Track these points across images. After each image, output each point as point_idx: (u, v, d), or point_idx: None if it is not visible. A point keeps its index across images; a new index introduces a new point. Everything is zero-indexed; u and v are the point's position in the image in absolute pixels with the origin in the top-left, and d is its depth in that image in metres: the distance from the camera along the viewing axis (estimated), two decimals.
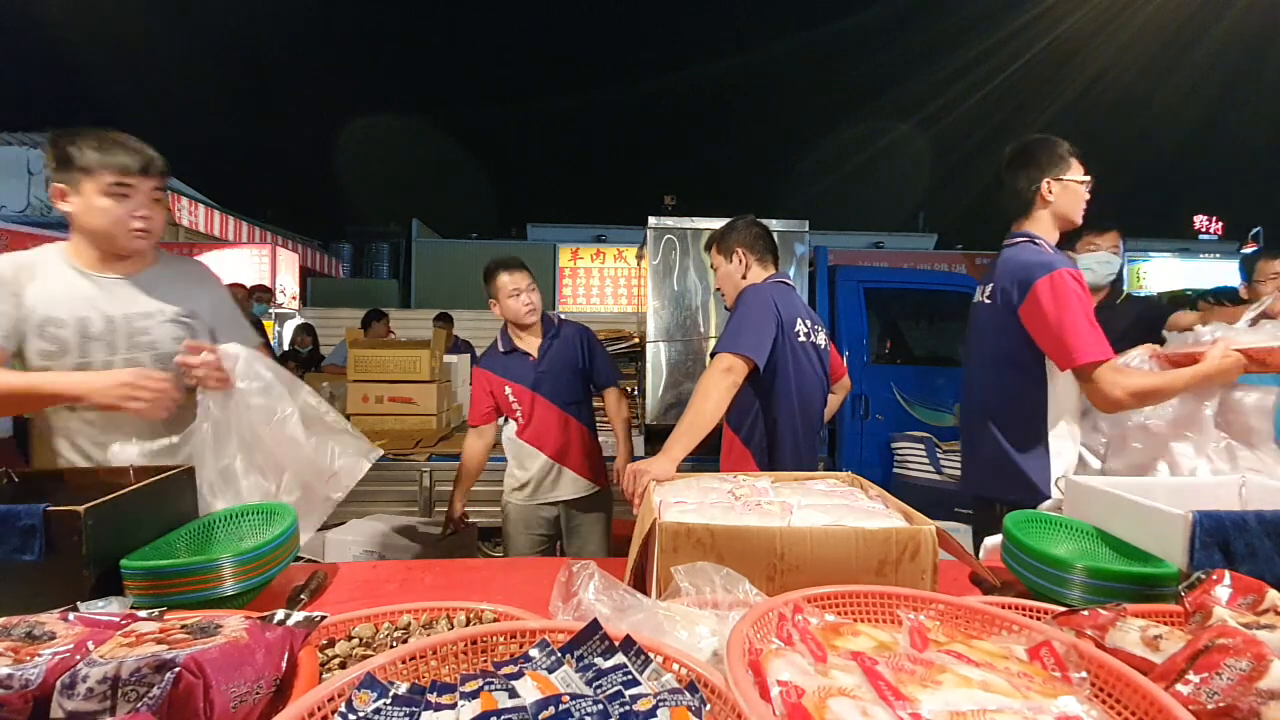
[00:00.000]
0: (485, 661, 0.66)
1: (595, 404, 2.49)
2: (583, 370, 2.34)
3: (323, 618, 0.73)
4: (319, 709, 0.54)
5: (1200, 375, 1.40)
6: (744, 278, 1.84)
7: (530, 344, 2.29)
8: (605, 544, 2.41)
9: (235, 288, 5.19)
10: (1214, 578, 0.74)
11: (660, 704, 0.51)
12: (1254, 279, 2.49)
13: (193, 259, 1.57)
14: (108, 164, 1.26)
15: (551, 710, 0.50)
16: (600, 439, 2.46)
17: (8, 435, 3.60)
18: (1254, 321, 1.51)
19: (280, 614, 0.71)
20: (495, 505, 2.68)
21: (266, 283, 5.83)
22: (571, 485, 2.33)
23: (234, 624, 0.66)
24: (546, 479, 2.31)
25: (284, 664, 0.63)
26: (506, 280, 2.19)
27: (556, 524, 2.40)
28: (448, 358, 3.80)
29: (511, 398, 2.28)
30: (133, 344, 1.35)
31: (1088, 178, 1.60)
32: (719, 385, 1.55)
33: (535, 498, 2.34)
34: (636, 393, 3.89)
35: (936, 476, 3.49)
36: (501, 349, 2.32)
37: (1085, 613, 0.72)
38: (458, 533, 2.40)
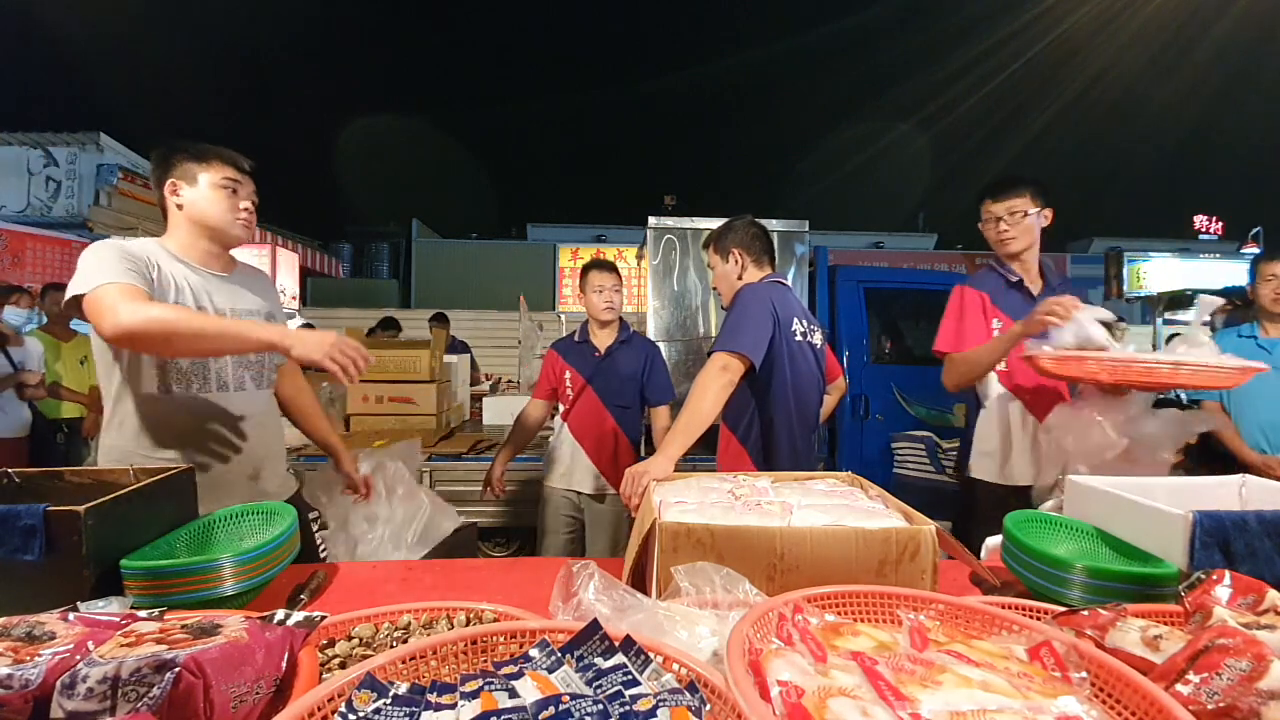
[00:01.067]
0: (485, 661, 0.66)
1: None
2: (639, 380, 2.48)
3: (323, 618, 0.73)
4: (319, 709, 0.54)
5: (999, 343, 1.70)
6: (740, 278, 1.85)
7: (601, 341, 2.48)
8: (620, 543, 2.47)
9: None
10: (1214, 578, 0.74)
11: (660, 704, 0.51)
12: (1256, 280, 2.49)
13: (255, 267, 1.68)
14: (222, 160, 1.43)
15: (551, 710, 0.50)
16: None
17: (24, 435, 3.60)
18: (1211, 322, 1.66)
19: (280, 614, 0.71)
20: (496, 505, 2.70)
21: None
22: (591, 480, 2.44)
23: (234, 624, 0.66)
24: (574, 467, 2.45)
25: (284, 664, 0.63)
26: (595, 277, 2.45)
27: (580, 511, 2.51)
28: (447, 358, 3.79)
29: (568, 381, 2.47)
30: None
31: (981, 224, 1.91)
32: (715, 383, 1.56)
33: (562, 482, 2.48)
34: None
35: (936, 476, 3.49)
36: (576, 338, 2.52)
37: (1085, 613, 0.72)
38: (496, 496, 2.56)
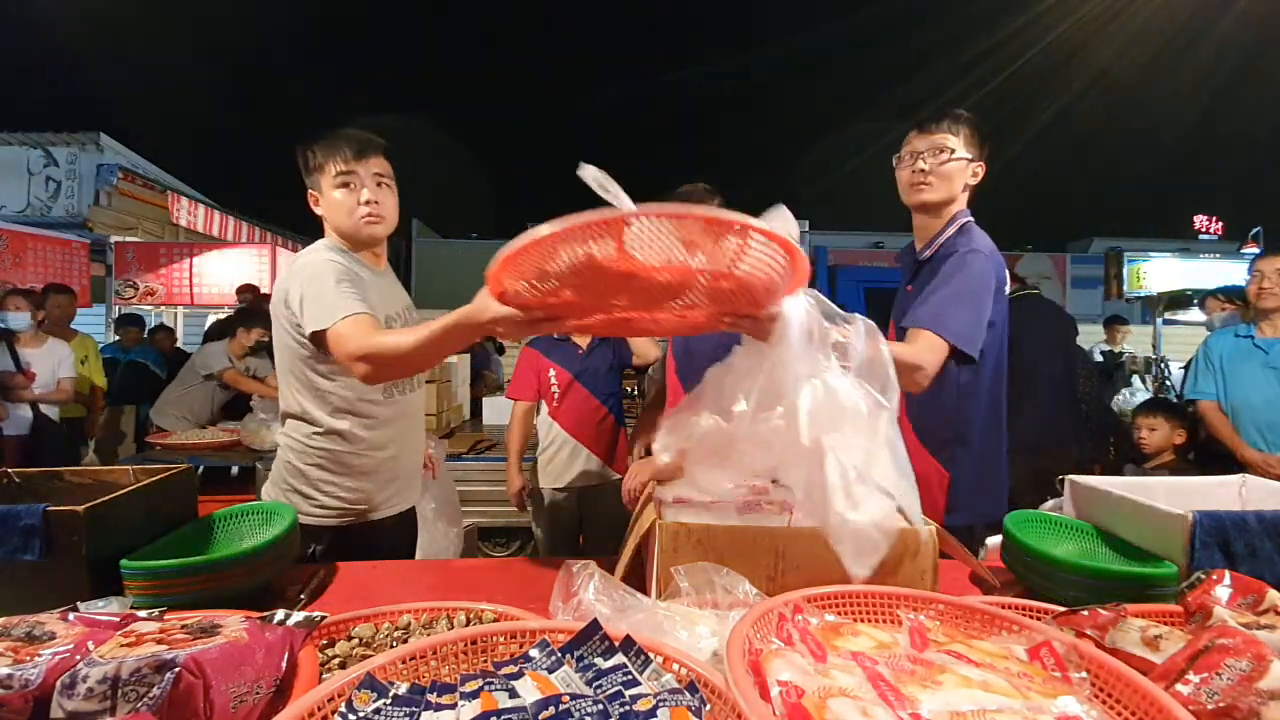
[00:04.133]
0: (485, 661, 0.66)
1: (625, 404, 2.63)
2: (620, 367, 2.52)
3: (323, 618, 0.73)
4: (319, 709, 0.54)
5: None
6: None
7: (580, 338, 2.47)
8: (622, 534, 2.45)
9: (247, 289, 5.18)
10: (1214, 578, 0.74)
11: (660, 704, 0.51)
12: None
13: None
14: (330, 156, 1.28)
15: (551, 710, 0.50)
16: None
17: (25, 433, 3.61)
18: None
19: (280, 614, 0.71)
20: (496, 505, 2.70)
21: (267, 283, 5.81)
22: (595, 472, 2.44)
23: (234, 624, 0.66)
24: (571, 462, 2.43)
25: (284, 664, 0.64)
26: None
27: (577, 509, 2.49)
28: (452, 357, 3.79)
29: (552, 378, 2.45)
30: None
31: (897, 166, 1.49)
32: None
33: (557, 481, 2.45)
34: (636, 393, 3.89)
35: None
36: (555, 336, 2.47)
37: (1085, 613, 0.72)
38: (522, 506, 2.55)
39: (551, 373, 2.45)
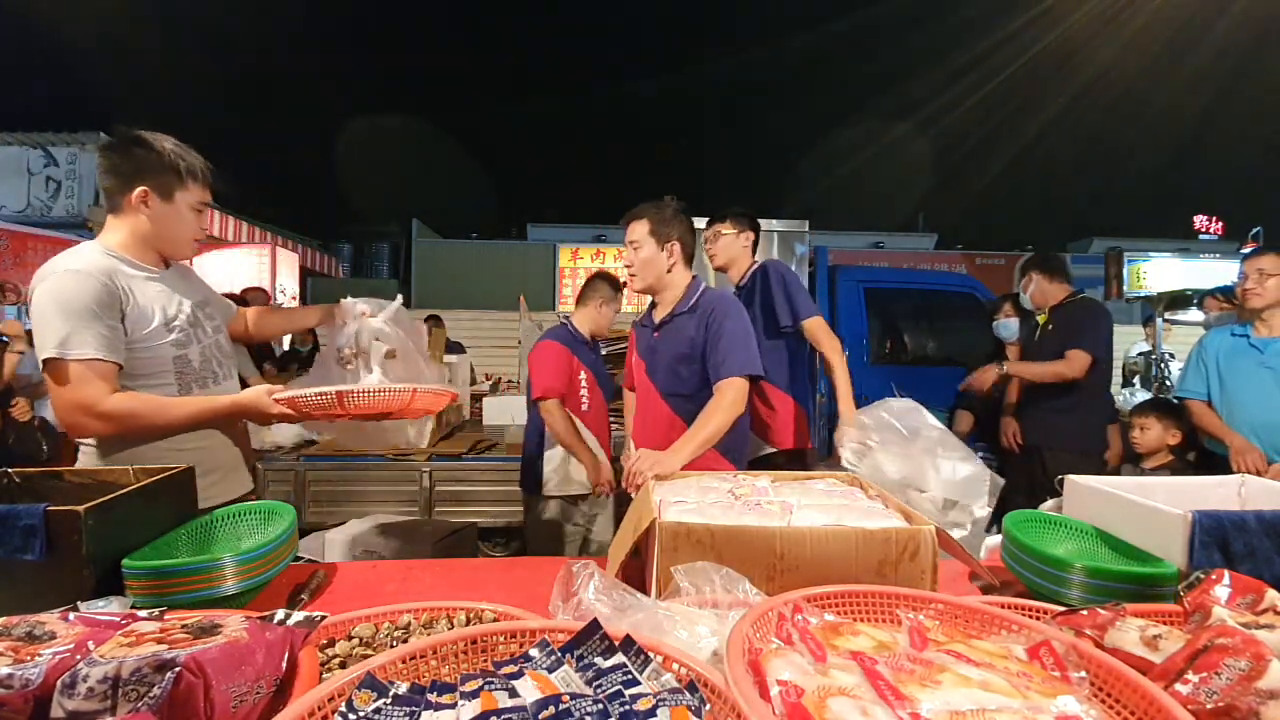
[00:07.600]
0: (485, 661, 0.66)
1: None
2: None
3: (323, 618, 0.73)
4: (319, 709, 0.54)
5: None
6: (669, 271, 1.75)
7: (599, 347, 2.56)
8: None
9: (254, 292, 5.18)
10: (1213, 577, 0.74)
11: (660, 704, 0.51)
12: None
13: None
14: (198, 182, 1.35)
15: (551, 710, 0.50)
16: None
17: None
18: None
19: (280, 614, 0.71)
20: (496, 505, 2.69)
21: (266, 283, 5.82)
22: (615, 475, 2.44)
23: (234, 624, 0.66)
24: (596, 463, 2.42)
25: (284, 664, 0.64)
26: (618, 292, 2.54)
27: (584, 511, 2.49)
28: (447, 358, 3.79)
29: (583, 383, 2.48)
30: (214, 326, 1.47)
31: None
32: (737, 411, 1.56)
33: (568, 489, 2.44)
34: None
35: None
36: (586, 342, 2.53)
37: (1085, 613, 0.72)
38: (613, 492, 2.49)
39: (583, 375, 2.44)
